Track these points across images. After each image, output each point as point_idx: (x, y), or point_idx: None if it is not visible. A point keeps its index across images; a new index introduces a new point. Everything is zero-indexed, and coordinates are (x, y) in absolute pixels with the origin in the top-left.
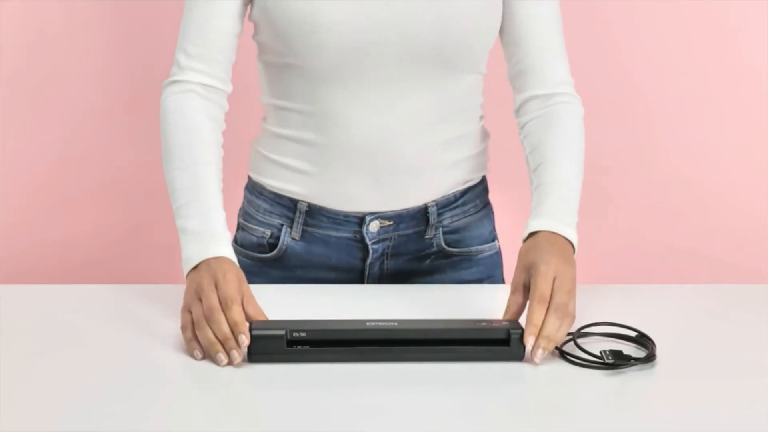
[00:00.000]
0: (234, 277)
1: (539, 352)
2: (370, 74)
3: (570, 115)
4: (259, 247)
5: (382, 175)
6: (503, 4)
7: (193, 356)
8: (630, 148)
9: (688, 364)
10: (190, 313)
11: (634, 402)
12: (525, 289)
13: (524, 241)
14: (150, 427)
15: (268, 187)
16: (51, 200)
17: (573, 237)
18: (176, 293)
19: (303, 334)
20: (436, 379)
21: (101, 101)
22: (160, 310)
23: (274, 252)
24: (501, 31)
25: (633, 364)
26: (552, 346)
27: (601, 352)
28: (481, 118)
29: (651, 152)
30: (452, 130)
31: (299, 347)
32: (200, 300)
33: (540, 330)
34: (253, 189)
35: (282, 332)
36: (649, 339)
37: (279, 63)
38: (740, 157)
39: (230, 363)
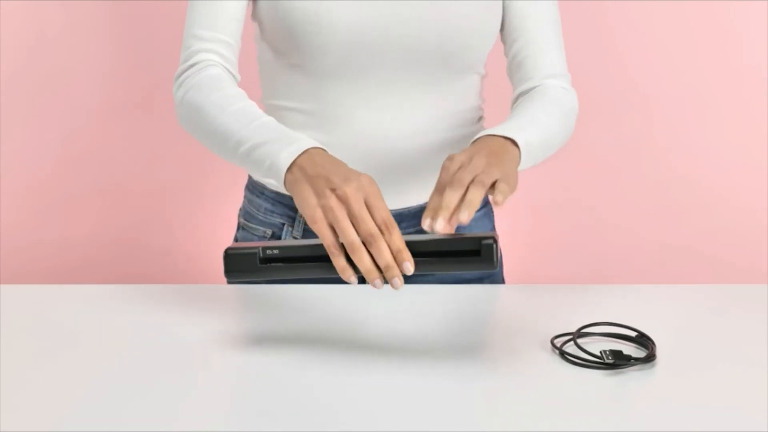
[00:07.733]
0: (375, 185)
1: (427, 222)
2: (372, 74)
3: (561, 93)
4: None
5: (382, 174)
6: (503, 3)
7: (348, 282)
8: (630, 148)
9: (688, 364)
10: (331, 227)
11: (634, 402)
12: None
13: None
14: (150, 427)
15: (270, 187)
16: (51, 200)
17: (517, 138)
18: (176, 293)
19: (276, 252)
20: (432, 375)
21: (101, 101)
22: (160, 310)
23: None
24: (501, 28)
25: (633, 364)
26: (446, 214)
27: (601, 352)
28: (481, 118)
29: (651, 152)
30: (452, 131)
31: (273, 264)
32: (341, 208)
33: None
34: (254, 188)
35: (255, 250)
36: (649, 339)
37: (282, 63)
38: (740, 157)
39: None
